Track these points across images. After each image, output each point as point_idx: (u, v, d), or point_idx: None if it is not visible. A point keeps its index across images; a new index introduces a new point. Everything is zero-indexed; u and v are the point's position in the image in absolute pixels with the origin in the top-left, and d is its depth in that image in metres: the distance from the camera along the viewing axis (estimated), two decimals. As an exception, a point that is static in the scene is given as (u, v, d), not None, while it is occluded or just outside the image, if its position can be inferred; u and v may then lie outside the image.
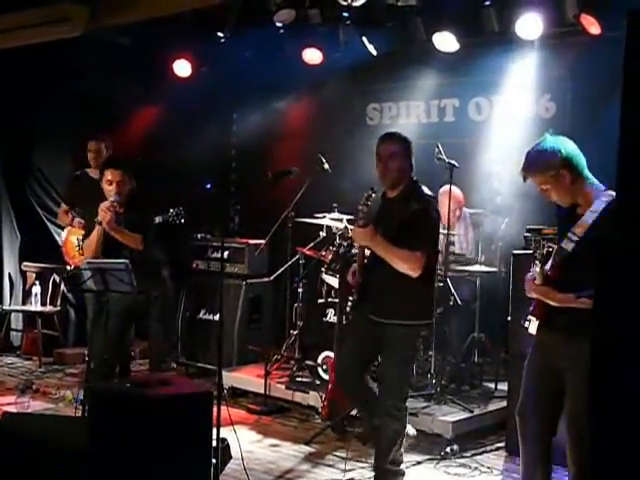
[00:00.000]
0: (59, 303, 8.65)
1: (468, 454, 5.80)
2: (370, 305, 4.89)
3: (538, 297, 4.02)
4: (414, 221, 4.70)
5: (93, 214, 6.42)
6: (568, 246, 3.91)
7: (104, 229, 6.06)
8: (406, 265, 4.68)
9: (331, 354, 6.54)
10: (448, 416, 5.96)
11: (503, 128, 7.61)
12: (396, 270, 4.71)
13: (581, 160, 3.96)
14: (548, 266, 4.01)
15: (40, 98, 8.56)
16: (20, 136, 8.76)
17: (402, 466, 4.99)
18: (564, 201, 3.99)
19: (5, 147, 8.83)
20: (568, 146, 3.96)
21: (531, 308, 4.12)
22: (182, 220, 6.82)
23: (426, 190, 4.88)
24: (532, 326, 4.10)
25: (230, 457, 5.00)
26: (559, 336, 3.97)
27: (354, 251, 6.51)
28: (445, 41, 7.43)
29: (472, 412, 6.20)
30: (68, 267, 7.57)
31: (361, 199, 4.75)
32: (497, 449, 5.95)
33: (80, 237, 7.23)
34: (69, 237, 7.53)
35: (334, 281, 6.77)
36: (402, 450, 4.94)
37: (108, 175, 6.18)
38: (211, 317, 7.88)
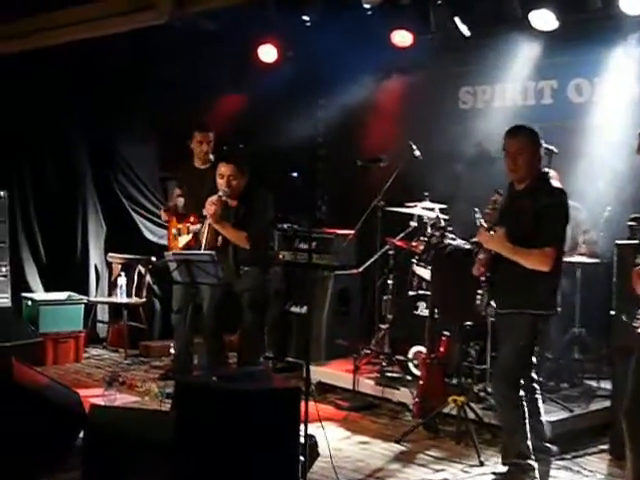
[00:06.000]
0: (144, 295, 8.66)
1: (568, 456, 5.56)
2: (497, 299, 5.00)
3: None
4: (546, 216, 4.72)
5: (196, 204, 6.37)
6: None
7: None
8: (536, 264, 4.70)
9: (422, 349, 6.43)
10: (546, 415, 5.71)
11: (605, 111, 7.38)
12: (520, 265, 4.73)
13: None
14: None
15: (125, 86, 8.56)
16: (105, 125, 8.77)
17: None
18: None
19: (91, 137, 8.86)
20: None
21: None
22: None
23: (555, 183, 4.89)
24: None
25: (318, 455, 4.91)
26: None
27: (447, 242, 6.33)
28: (543, 19, 7.21)
29: (572, 411, 6.07)
30: (153, 258, 7.51)
31: (489, 202, 4.87)
32: (600, 452, 5.74)
33: (178, 228, 7.20)
34: (171, 228, 7.46)
35: (426, 273, 6.69)
36: (528, 443, 4.86)
37: (221, 168, 6.27)
38: (298, 309, 7.82)
